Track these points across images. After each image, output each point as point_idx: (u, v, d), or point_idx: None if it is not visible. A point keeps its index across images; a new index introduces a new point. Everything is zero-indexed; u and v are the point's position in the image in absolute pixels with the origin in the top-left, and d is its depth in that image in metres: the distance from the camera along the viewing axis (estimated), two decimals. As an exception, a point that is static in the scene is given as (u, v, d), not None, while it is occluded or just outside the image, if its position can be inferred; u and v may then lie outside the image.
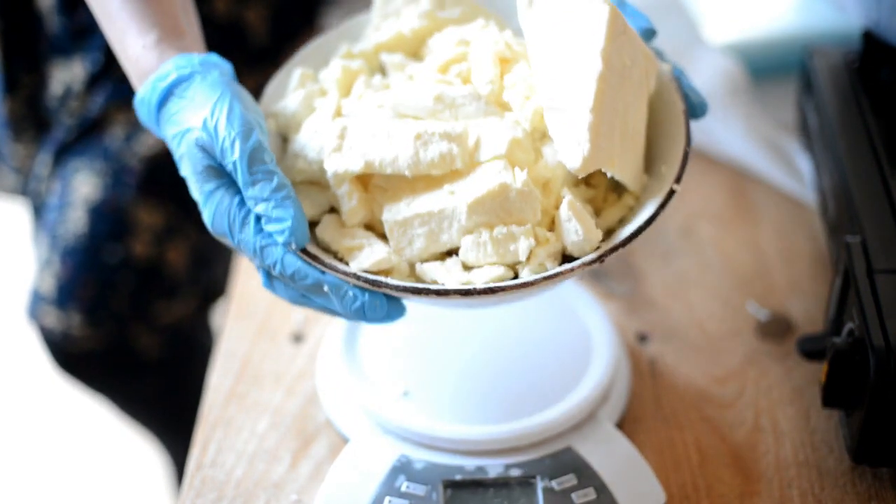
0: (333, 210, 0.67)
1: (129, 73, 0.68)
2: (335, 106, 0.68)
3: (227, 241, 0.64)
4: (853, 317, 0.68)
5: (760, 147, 0.97)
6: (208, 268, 1.21)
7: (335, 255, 0.64)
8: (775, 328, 0.82)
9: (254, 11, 1.18)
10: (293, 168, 0.67)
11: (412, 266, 0.63)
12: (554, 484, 0.66)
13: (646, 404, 0.76)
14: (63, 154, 1.17)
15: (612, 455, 0.68)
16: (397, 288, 0.59)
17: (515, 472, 0.66)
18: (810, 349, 0.74)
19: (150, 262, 1.15)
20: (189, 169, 0.64)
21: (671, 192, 0.62)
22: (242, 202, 0.63)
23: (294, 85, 0.71)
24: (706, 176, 0.98)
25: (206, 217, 0.64)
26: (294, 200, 0.61)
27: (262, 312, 0.84)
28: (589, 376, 0.72)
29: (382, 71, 0.72)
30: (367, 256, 0.62)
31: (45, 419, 1.89)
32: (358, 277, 0.60)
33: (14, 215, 1.88)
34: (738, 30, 1.09)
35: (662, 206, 0.62)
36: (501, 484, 0.66)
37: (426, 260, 0.63)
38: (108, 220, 1.13)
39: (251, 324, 0.83)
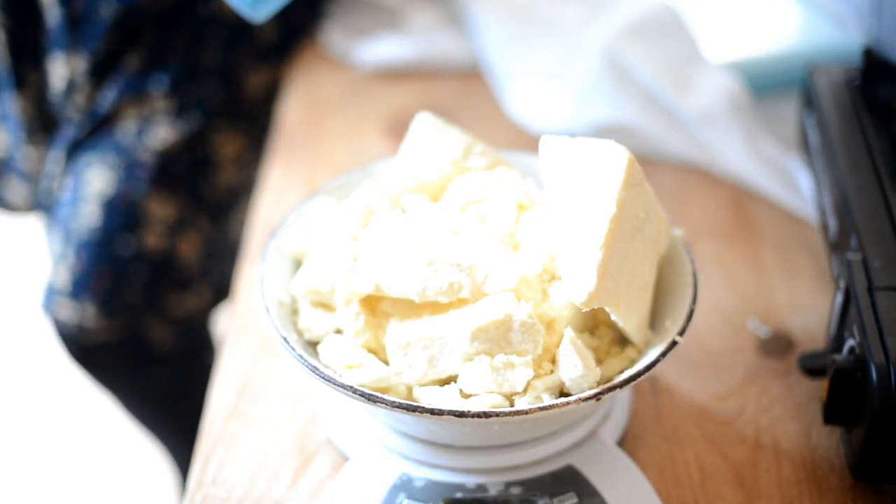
0: (338, 333, 0.68)
1: None
2: (353, 233, 0.70)
3: None
4: (854, 334, 0.68)
5: (761, 164, 0.97)
6: (220, 261, 1.22)
7: (334, 373, 0.65)
8: (776, 345, 0.82)
9: None
10: (303, 287, 0.68)
11: (410, 390, 0.64)
12: (555, 502, 0.66)
13: (647, 422, 0.76)
14: (75, 150, 1.18)
15: (613, 473, 0.68)
16: (393, 404, 0.60)
17: (516, 491, 0.66)
18: (811, 366, 0.74)
19: (163, 254, 1.16)
20: None
21: (673, 343, 0.63)
22: None
23: (315, 213, 0.73)
24: (707, 192, 0.98)
25: None
26: None
27: (263, 329, 0.84)
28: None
29: (403, 209, 0.74)
30: (367, 373, 0.63)
31: (57, 427, 1.89)
32: (355, 391, 0.61)
33: (27, 227, 1.89)
34: (740, 47, 1.10)
35: (664, 354, 0.63)
36: (502, 502, 0.66)
37: (425, 385, 0.64)
38: (120, 213, 1.14)
39: (252, 340, 0.83)
